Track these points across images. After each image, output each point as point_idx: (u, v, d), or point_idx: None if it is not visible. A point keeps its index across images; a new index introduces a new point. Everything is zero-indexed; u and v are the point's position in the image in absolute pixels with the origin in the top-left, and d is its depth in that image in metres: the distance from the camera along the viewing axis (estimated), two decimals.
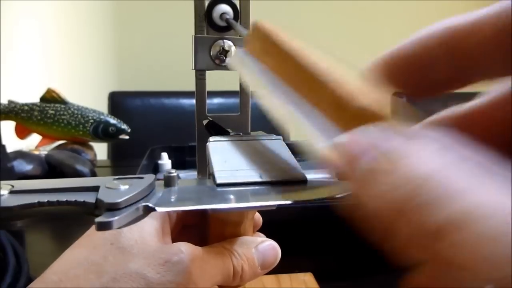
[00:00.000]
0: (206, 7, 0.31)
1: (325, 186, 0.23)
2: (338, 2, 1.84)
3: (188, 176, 0.71)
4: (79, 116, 0.85)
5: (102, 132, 0.85)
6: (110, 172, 0.97)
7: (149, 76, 1.74)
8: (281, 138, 0.29)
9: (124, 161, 1.05)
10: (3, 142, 0.53)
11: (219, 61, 0.32)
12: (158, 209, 0.19)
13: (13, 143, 0.83)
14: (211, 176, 0.24)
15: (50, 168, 0.78)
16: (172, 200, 0.21)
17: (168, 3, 1.56)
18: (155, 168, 0.74)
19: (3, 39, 0.85)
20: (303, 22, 1.84)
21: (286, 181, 0.23)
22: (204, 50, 0.32)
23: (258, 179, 0.23)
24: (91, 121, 0.85)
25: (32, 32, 1.05)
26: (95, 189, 0.20)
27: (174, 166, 0.75)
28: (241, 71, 0.25)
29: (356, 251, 0.50)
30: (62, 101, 0.86)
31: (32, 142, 0.90)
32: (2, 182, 0.20)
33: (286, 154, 0.27)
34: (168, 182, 0.23)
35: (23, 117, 0.85)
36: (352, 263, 0.49)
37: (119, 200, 0.19)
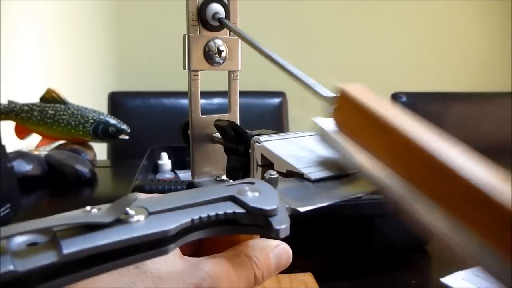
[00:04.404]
0: (198, 7, 0.31)
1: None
2: (337, 2, 1.84)
3: (188, 176, 0.71)
4: (79, 116, 0.85)
5: (102, 132, 0.85)
6: (110, 172, 0.97)
7: (149, 76, 1.74)
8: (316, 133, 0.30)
9: (124, 161, 1.04)
10: (3, 142, 0.53)
11: (212, 61, 0.32)
12: (300, 208, 0.20)
13: (13, 143, 0.83)
14: (289, 173, 0.25)
15: (50, 168, 0.78)
16: (301, 199, 0.21)
17: (168, 3, 1.56)
18: (155, 168, 0.74)
19: (3, 40, 0.85)
20: (301, 22, 1.84)
21: None
22: (198, 50, 0.31)
23: (342, 172, 0.25)
24: (91, 121, 0.85)
25: (32, 33, 1.05)
26: (229, 198, 0.19)
27: (174, 166, 0.75)
28: (332, 146, 0.22)
29: (356, 251, 0.50)
30: (62, 101, 0.86)
31: (32, 142, 0.90)
32: (129, 205, 0.17)
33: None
34: (272, 184, 0.23)
35: (23, 117, 0.85)
36: (352, 263, 0.49)
37: (275, 207, 0.19)
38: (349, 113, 0.21)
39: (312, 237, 0.48)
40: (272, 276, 0.25)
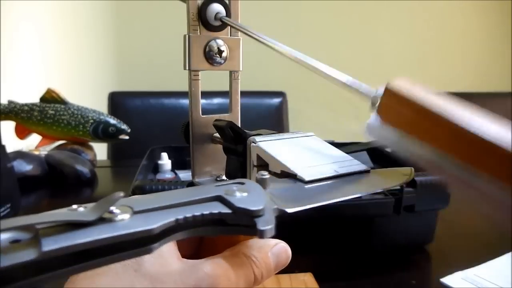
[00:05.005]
0: (199, 6, 0.31)
1: (388, 174, 0.26)
2: (337, 2, 1.84)
3: (188, 176, 0.71)
4: (79, 116, 0.85)
5: (102, 132, 0.85)
6: (110, 172, 0.97)
7: (149, 76, 1.74)
8: (314, 134, 0.31)
9: (124, 161, 1.04)
10: (3, 142, 0.53)
11: (213, 61, 0.32)
12: (289, 210, 0.20)
13: (13, 143, 0.83)
14: (284, 174, 0.25)
15: (50, 168, 0.78)
16: (291, 200, 0.21)
17: (168, 3, 1.56)
18: (155, 168, 0.74)
19: (3, 40, 0.85)
20: (301, 22, 1.84)
21: (356, 172, 0.26)
22: (198, 50, 0.31)
23: (336, 173, 0.25)
24: (91, 121, 0.85)
25: (32, 33, 1.05)
26: (216, 198, 0.19)
27: (174, 166, 0.75)
28: (384, 143, 0.23)
29: (356, 251, 0.50)
30: (62, 101, 0.86)
31: (32, 142, 0.90)
32: (116, 204, 0.17)
33: (333, 149, 0.29)
34: (262, 184, 0.22)
35: (23, 117, 0.85)
36: (352, 263, 0.49)
37: (261, 207, 0.19)
38: (397, 109, 0.21)
39: (312, 237, 0.48)
40: (271, 275, 0.25)
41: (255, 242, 0.25)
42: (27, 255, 0.14)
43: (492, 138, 0.17)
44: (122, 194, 0.17)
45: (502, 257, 0.48)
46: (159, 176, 0.72)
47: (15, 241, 0.15)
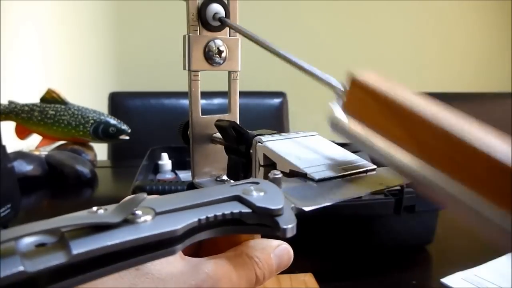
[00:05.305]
0: (198, 7, 0.31)
1: (393, 172, 0.26)
2: (337, 2, 1.84)
3: (188, 176, 0.71)
4: (79, 116, 0.85)
5: (102, 132, 0.85)
6: (110, 172, 0.97)
7: (149, 76, 1.74)
8: (318, 133, 0.31)
9: (124, 162, 1.04)
10: (4, 143, 0.53)
11: (212, 61, 0.32)
12: (306, 208, 0.20)
13: (13, 144, 0.83)
14: (292, 173, 0.25)
15: (51, 168, 0.78)
16: (306, 198, 0.22)
17: (168, 3, 1.56)
18: (156, 169, 0.74)
19: (3, 40, 0.85)
20: (301, 22, 1.84)
21: (363, 170, 0.26)
22: (198, 50, 0.31)
23: (344, 172, 0.25)
24: (91, 121, 0.85)
25: (32, 33, 1.05)
26: (235, 198, 0.19)
27: (174, 166, 0.75)
28: (348, 136, 0.23)
29: (356, 251, 0.50)
30: (62, 102, 0.86)
31: (33, 142, 0.90)
32: (137, 206, 0.17)
33: (338, 148, 0.29)
34: (276, 183, 0.23)
35: (24, 117, 0.85)
36: (352, 263, 0.49)
37: (281, 206, 0.19)
38: (363, 101, 0.21)
39: (312, 237, 0.48)
40: (273, 276, 0.25)
41: (257, 242, 0.25)
42: (57, 258, 0.14)
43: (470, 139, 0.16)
44: (145, 195, 0.17)
45: (502, 257, 0.48)
46: (159, 177, 0.72)
47: (40, 245, 0.15)
